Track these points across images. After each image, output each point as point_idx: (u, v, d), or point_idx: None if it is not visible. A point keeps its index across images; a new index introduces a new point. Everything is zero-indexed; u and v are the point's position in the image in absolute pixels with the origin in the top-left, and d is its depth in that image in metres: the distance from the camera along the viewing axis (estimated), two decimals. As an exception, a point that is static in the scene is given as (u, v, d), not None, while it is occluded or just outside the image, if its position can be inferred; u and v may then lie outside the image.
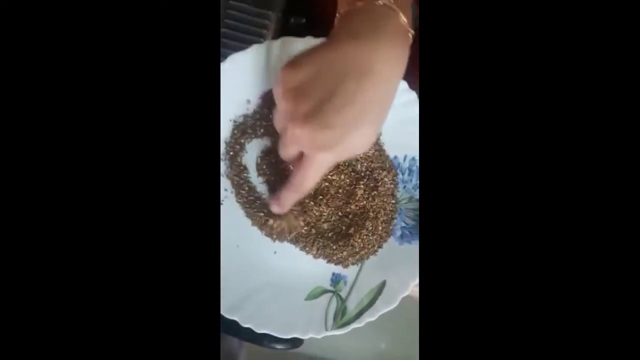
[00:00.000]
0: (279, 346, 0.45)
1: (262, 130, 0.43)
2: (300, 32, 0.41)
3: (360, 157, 0.43)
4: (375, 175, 0.43)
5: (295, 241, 0.42)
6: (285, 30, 0.46)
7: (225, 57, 0.42)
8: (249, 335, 0.41)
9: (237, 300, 0.40)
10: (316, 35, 0.40)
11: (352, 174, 0.43)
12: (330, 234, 0.42)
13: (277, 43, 0.41)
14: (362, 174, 0.43)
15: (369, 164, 0.43)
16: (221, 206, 0.42)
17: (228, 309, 0.39)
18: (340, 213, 0.43)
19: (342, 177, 0.43)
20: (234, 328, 0.40)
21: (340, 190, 0.43)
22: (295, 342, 0.44)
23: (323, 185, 0.42)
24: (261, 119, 0.43)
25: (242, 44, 0.44)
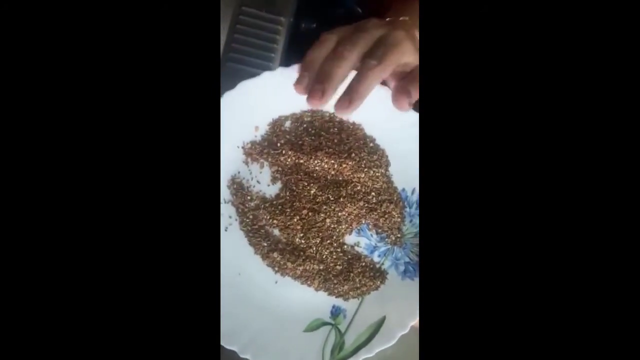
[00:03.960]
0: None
1: (269, 159, 0.42)
2: (311, 37, 0.40)
3: (370, 188, 0.42)
4: (384, 208, 0.42)
5: (297, 277, 0.42)
6: (297, 35, 0.46)
7: (237, 62, 0.42)
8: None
9: (236, 328, 0.40)
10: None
11: (365, 205, 0.42)
12: (331, 267, 0.42)
13: (288, 71, 0.41)
14: (373, 206, 0.42)
15: (378, 196, 0.42)
16: (224, 233, 0.42)
17: (227, 337, 0.39)
18: (345, 246, 0.42)
19: (352, 209, 0.42)
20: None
21: (348, 220, 0.42)
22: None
23: (329, 222, 0.42)
24: (269, 146, 0.42)
25: (254, 50, 0.44)
